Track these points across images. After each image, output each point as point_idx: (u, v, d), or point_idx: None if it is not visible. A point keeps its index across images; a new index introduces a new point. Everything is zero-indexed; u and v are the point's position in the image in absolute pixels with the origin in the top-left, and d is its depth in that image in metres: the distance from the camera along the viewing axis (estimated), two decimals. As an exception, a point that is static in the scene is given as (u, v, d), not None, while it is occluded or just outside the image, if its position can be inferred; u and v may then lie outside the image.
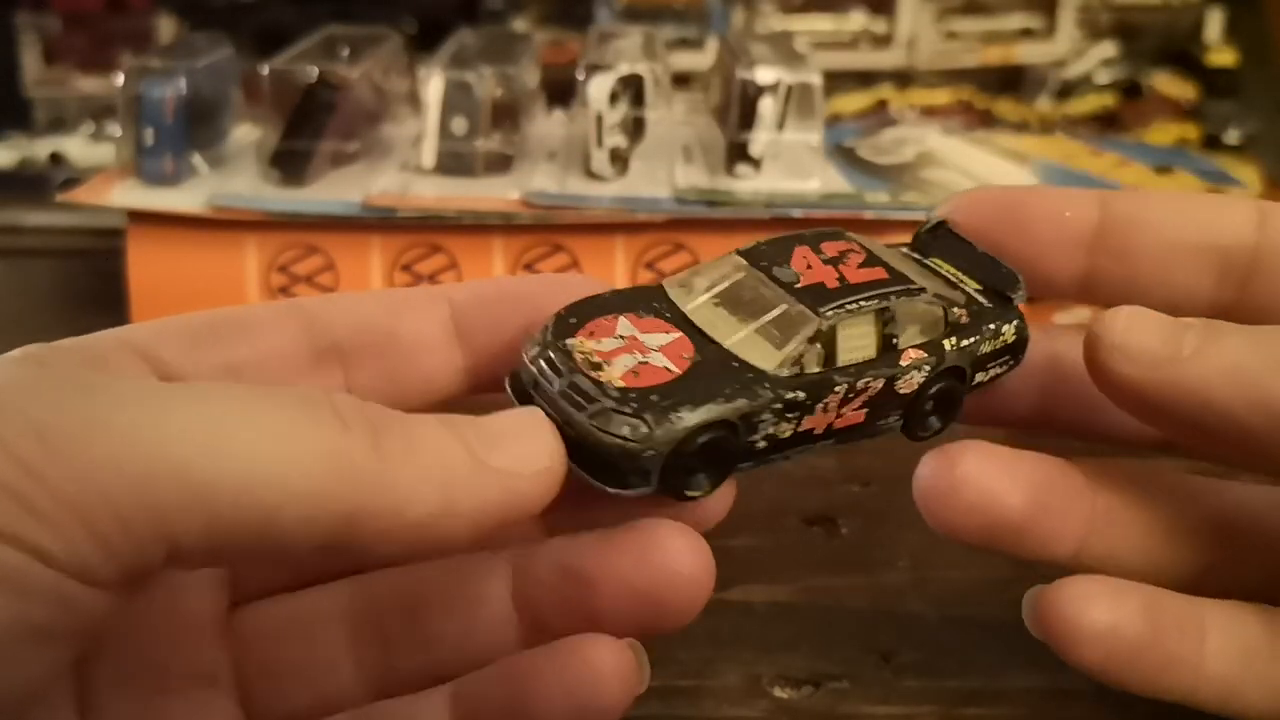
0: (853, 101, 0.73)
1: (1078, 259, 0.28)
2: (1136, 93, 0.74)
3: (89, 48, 0.74)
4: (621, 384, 0.24)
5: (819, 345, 0.25)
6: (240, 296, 0.49)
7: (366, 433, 0.21)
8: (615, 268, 0.50)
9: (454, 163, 0.52)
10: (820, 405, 0.25)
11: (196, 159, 0.52)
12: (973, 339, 0.27)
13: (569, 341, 0.25)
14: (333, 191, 0.51)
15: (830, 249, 0.27)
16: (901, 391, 0.26)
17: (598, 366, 0.24)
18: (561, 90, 0.59)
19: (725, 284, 0.27)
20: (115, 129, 0.65)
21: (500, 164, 0.52)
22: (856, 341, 0.26)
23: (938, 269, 0.29)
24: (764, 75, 0.50)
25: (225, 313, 0.26)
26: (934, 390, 0.27)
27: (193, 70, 0.51)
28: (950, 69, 0.75)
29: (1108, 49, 0.75)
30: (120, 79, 0.52)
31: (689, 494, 0.25)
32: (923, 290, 0.27)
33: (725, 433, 0.24)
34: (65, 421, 0.19)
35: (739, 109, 0.51)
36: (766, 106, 0.51)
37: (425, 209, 0.49)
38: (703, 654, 0.32)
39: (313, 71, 0.51)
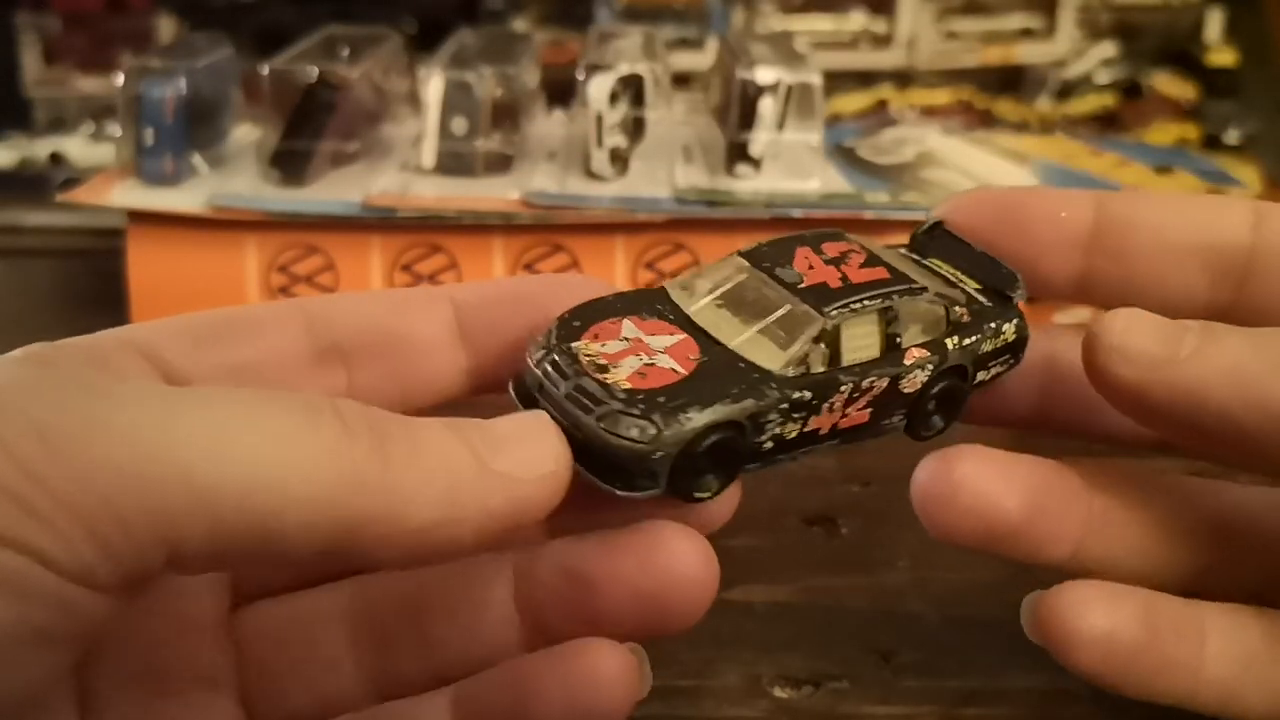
0: (853, 101, 0.73)
1: (1074, 260, 0.28)
2: (1136, 93, 0.74)
3: (89, 48, 0.74)
4: (629, 386, 0.24)
5: (823, 345, 0.25)
6: (240, 297, 0.49)
7: (370, 438, 0.21)
8: (615, 268, 0.50)
9: (454, 163, 0.52)
10: (826, 405, 0.25)
11: (196, 159, 0.52)
12: (974, 337, 0.27)
13: (574, 345, 0.25)
14: (333, 191, 0.51)
15: (831, 249, 0.27)
16: (905, 391, 0.27)
17: (604, 369, 0.24)
18: (561, 90, 0.59)
19: (728, 285, 0.27)
20: (115, 129, 0.65)
21: (500, 164, 0.52)
22: (860, 341, 0.26)
23: (936, 269, 0.29)
24: (764, 75, 0.50)
25: (228, 313, 0.26)
26: (937, 389, 0.27)
27: (193, 70, 0.51)
28: (950, 69, 0.75)
29: (1108, 49, 0.75)
30: (120, 79, 0.52)
31: (697, 495, 0.25)
32: (925, 289, 0.27)
33: (733, 433, 0.24)
34: (67, 424, 0.19)
35: (739, 109, 0.51)
36: (766, 106, 0.51)
37: (425, 209, 0.49)
38: (703, 654, 0.32)
39: (313, 71, 0.51)
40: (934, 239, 0.29)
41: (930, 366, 0.27)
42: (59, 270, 0.59)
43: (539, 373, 0.25)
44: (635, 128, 0.52)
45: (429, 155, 0.52)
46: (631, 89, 0.52)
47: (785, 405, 0.24)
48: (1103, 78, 0.75)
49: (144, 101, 0.50)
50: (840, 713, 0.31)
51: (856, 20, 0.75)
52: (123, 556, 0.19)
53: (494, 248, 0.50)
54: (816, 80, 0.51)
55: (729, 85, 0.52)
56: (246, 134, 0.56)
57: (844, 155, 0.57)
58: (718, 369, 0.24)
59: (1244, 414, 0.24)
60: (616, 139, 0.51)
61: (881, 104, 0.73)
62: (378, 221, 0.49)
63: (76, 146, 0.70)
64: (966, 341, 0.27)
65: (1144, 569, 0.27)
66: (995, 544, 0.26)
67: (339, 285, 0.50)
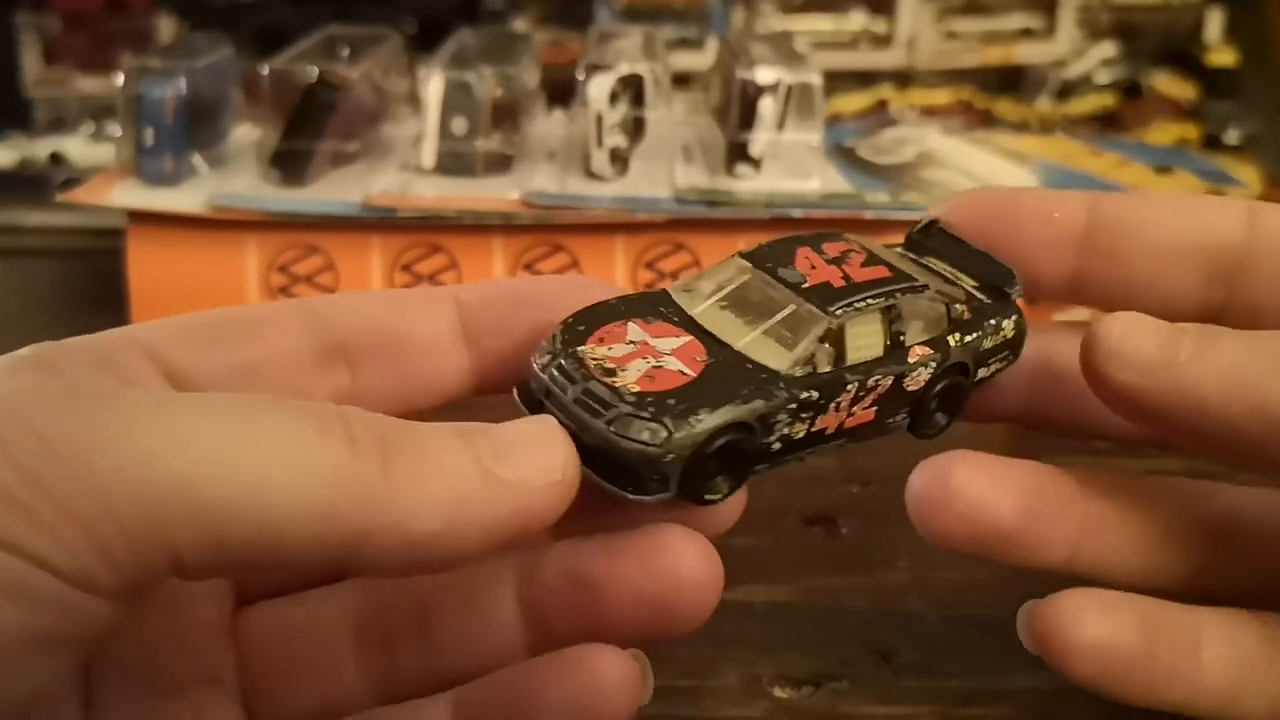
0: (853, 101, 0.73)
1: (1067, 260, 0.28)
2: (1136, 93, 0.74)
3: (89, 48, 0.74)
4: (637, 389, 0.23)
5: (829, 345, 0.25)
6: (240, 297, 0.49)
7: (374, 448, 0.21)
8: (615, 268, 0.50)
9: (454, 163, 0.52)
10: (833, 404, 0.25)
11: (196, 159, 0.52)
12: (975, 334, 0.27)
13: (580, 349, 0.25)
14: (333, 191, 0.51)
15: (832, 249, 0.27)
16: (909, 389, 0.27)
17: (611, 372, 0.24)
18: (561, 90, 0.59)
19: (731, 286, 0.26)
20: (115, 129, 0.65)
21: (500, 164, 0.52)
22: (864, 340, 0.26)
23: (934, 267, 0.29)
24: (764, 75, 0.51)
25: (233, 312, 0.26)
26: (940, 387, 0.27)
27: (193, 70, 0.51)
28: (950, 69, 0.75)
29: (1108, 49, 0.75)
30: (120, 79, 0.52)
31: (707, 498, 0.24)
32: (926, 287, 0.27)
33: (743, 434, 0.24)
34: (70, 433, 0.19)
35: (739, 109, 0.51)
36: (766, 106, 0.51)
37: (425, 209, 0.49)
38: (703, 654, 0.32)
39: (313, 71, 0.51)
40: (930, 238, 0.29)
41: (933, 364, 0.27)
42: (59, 270, 0.59)
43: (545, 378, 0.24)
44: (635, 128, 0.52)
45: (429, 155, 0.52)
46: (631, 89, 0.52)
47: (793, 405, 0.24)
48: (1103, 78, 0.75)
49: (144, 101, 0.50)
50: (840, 713, 0.31)
51: (856, 20, 0.75)
52: (124, 563, 0.19)
53: (494, 248, 0.50)
54: (816, 80, 0.51)
55: (729, 85, 0.52)
56: (246, 134, 0.56)
57: (844, 155, 0.57)
58: (725, 370, 0.24)
59: (1242, 417, 0.24)
60: (616, 139, 0.51)
61: (881, 104, 0.73)
62: (378, 221, 0.49)
63: (76, 146, 0.70)
64: (968, 339, 0.27)
65: (1141, 572, 0.27)
66: (990, 549, 0.26)
67: (339, 285, 0.50)
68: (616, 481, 0.23)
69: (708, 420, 0.23)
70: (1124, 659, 0.25)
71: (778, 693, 0.31)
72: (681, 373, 0.24)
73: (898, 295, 0.26)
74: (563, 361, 0.24)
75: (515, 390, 0.26)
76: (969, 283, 0.29)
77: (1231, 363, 0.24)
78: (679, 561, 0.23)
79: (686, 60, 0.69)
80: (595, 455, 0.23)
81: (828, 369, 0.25)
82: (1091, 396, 0.26)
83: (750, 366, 0.25)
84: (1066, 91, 0.75)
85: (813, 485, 0.40)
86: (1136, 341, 0.25)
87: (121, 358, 0.23)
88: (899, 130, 0.63)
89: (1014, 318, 0.28)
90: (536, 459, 0.22)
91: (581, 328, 0.25)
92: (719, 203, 0.50)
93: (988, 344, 0.28)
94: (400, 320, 0.27)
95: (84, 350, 0.23)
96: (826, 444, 0.26)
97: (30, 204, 0.63)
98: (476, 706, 0.24)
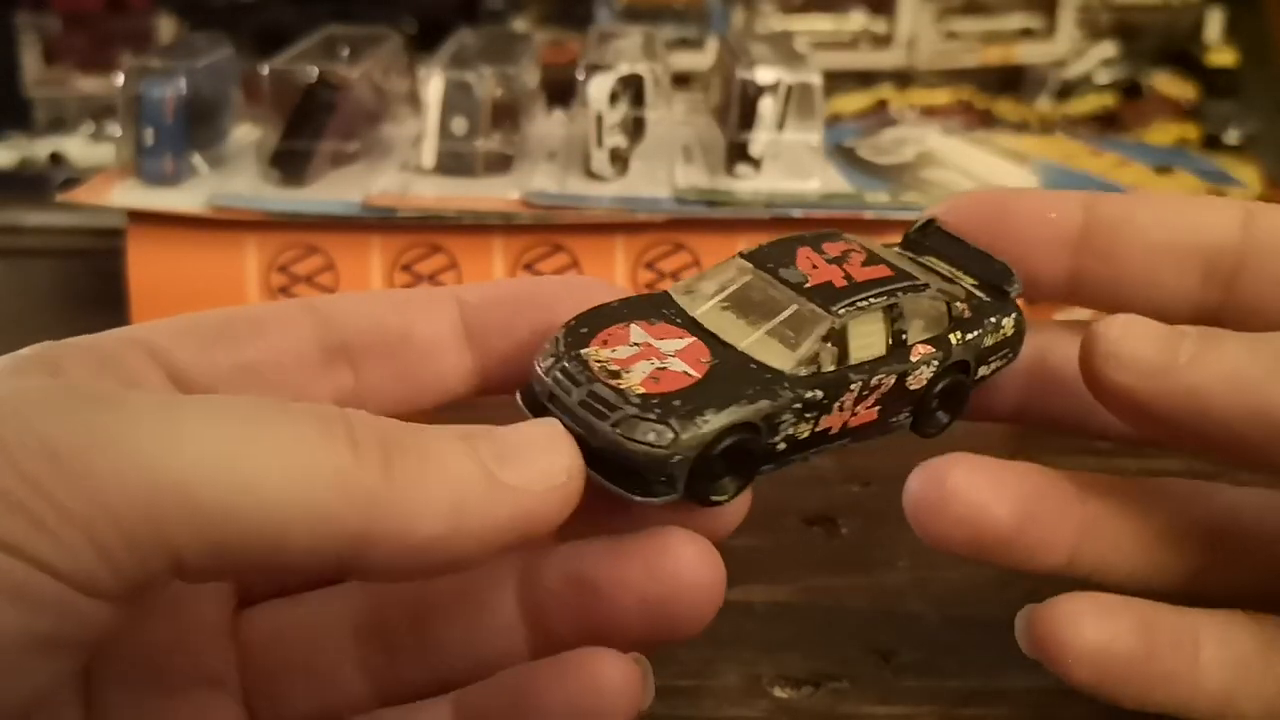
0: (853, 101, 0.73)
1: (1063, 260, 0.28)
2: (1136, 93, 0.74)
3: (89, 48, 0.74)
4: (643, 390, 0.23)
5: (832, 344, 0.25)
6: (240, 297, 0.49)
7: (376, 450, 0.20)
8: (615, 268, 0.50)
9: (454, 163, 0.52)
10: (837, 404, 0.25)
11: (196, 159, 0.52)
12: (976, 332, 0.27)
13: (584, 351, 0.24)
14: (333, 191, 0.51)
15: (832, 249, 0.27)
16: (912, 388, 0.27)
17: (616, 374, 0.24)
18: (561, 90, 0.59)
19: (733, 287, 0.26)
20: (115, 129, 0.65)
21: (500, 164, 0.52)
22: (867, 339, 0.26)
23: (933, 266, 0.29)
24: (764, 75, 0.50)
25: (236, 311, 0.26)
26: (941, 385, 0.27)
27: (193, 70, 0.51)
28: (950, 69, 0.75)
29: (1108, 49, 0.75)
30: (120, 79, 0.52)
31: (714, 499, 0.24)
32: (927, 286, 0.27)
33: (749, 435, 0.24)
34: (72, 435, 0.19)
35: (739, 109, 0.51)
36: (766, 106, 0.51)
37: (425, 209, 0.49)
38: (703, 654, 0.32)
39: (313, 71, 0.51)
40: (927, 237, 0.30)
41: (935, 362, 0.27)
42: (59, 270, 0.59)
43: (549, 381, 0.24)
44: (635, 128, 0.52)
45: (429, 155, 0.52)
46: (631, 89, 0.52)
47: (798, 405, 0.24)
48: (1103, 78, 0.75)
49: (144, 101, 0.50)
50: (840, 713, 0.31)
51: (856, 20, 0.75)
52: (125, 565, 0.19)
53: (494, 248, 0.50)
54: (816, 80, 0.51)
55: (729, 85, 0.52)
56: (246, 134, 0.56)
57: (844, 155, 0.57)
58: (730, 371, 0.24)
59: (1243, 420, 0.24)
60: (616, 139, 0.51)
61: (881, 104, 0.73)
62: (378, 221, 0.49)
63: (76, 146, 0.70)
64: (969, 337, 0.27)
65: (1139, 574, 0.27)
66: (988, 552, 0.26)
67: (339, 285, 0.50)
68: (622, 484, 0.23)
69: (714, 421, 0.23)
70: (1122, 663, 0.25)
71: (778, 693, 0.31)
72: (686, 374, 0.24)
73: (899, 294, 0.26)
74: (566, 364, 0.24)
75: (518, 394, 0.25)
76: (968, 281, 0.29)
77: (1232, 366, 0.24)
78: (682, 564, 0.23)
79: (686, 60, 0.69)
80: (601, 458, 0.23)
81: (831, 368, 0.25)
82: (1089, 396, 0.26)
83: (754, 367, 0.25)
84: (1066, 91, 0.75)
85: (813, 485, 0.40)
86: (1135, 344, 0.25)
87: (124, 358, 0.23)
88: (899, 130, 0.63)
89: (1013, 315, 0.28)
90: (541, 463, 0.22)
91: (584, 330, 0.25)
92: (719, 203, 0.50)
93: (988, 342, 0.28)
94: (403, 320, 0.27)
95: (87, 350, 0.23)
96: (830, 444, 0.26)
97: (30, 204, 0.63)
98: (477, 709, 0.24)
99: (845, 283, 0.26)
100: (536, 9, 0.76)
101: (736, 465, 0.24)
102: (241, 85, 0.56)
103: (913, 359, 0.26)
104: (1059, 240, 0.28)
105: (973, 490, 0.26)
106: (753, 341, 0.25)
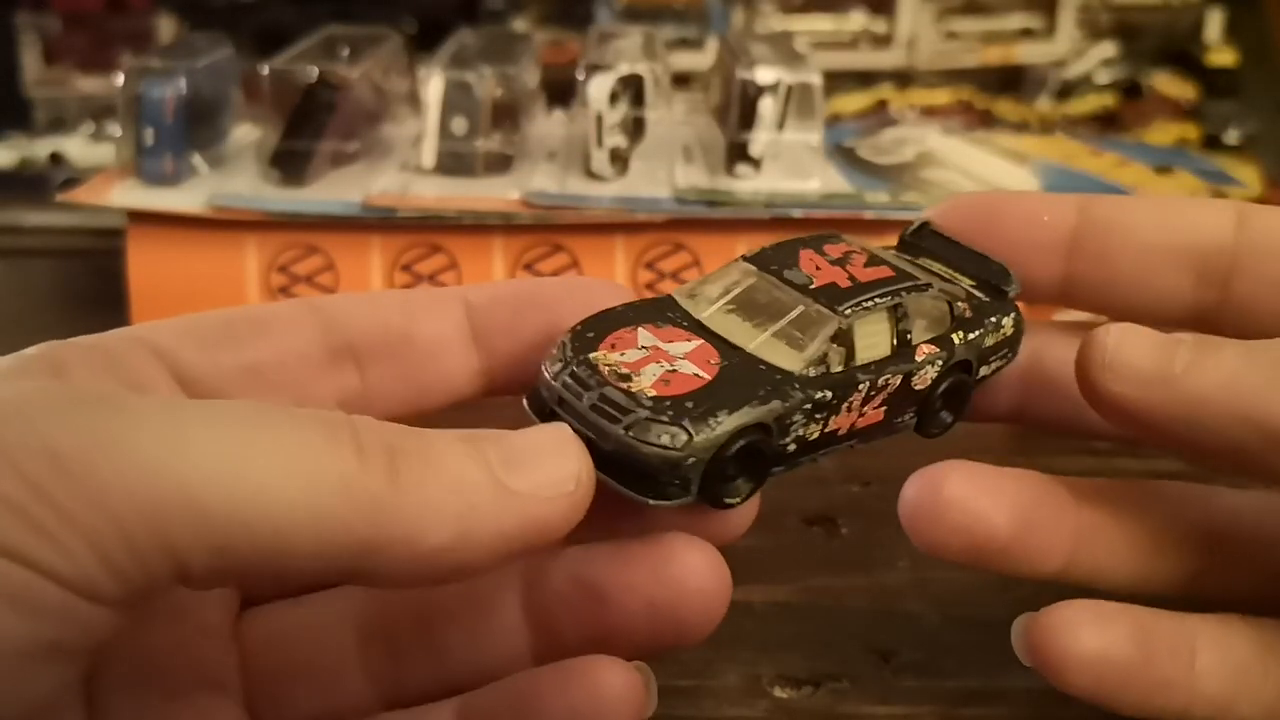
0: (853, 101, 0.73)
1: (1056, 262, 0.28)
2: (1136, 93, 0.74)
3: (89, 48, 0.74)
4: (654, 393, 0.23)
5: (839, 344, 0.25)
6: (240, 297, 0.49)
7: (382, 457, 0.20)
8: (615, 268, 0.50)
9: (454, 163, 0.52)
10: (845, 404, 0.25)
11: (196, 159, 0.52)
12: (978, 332, 0.27)
13: (592, 355, 0.24)
14: (333, 191, 0.51)
15: (833, 251, 0.27)
16: (917, 387, 0.27)
17: (626, 378, 0.24)
18: (561, 90, 0.59)
19: (738, 290, 0.26)
20: (115, 129, 0.65)
21: (500, 164, 0.52)
22: (872, 339, 0.26)
23: (930, 268, 0.29)
24: (764, 75, 0.50)
25: (241, 312, 0.26)
26: (945, 385, 0.27)
27: (193, 70, 0.51)
28: (950, 69, 0.75)
29: (1108, 49, 0.75)
30: (120, 79, 0.52)
31: (727, 501, 0.24)
32: (929, 286, 0.27)
33: (761, 436, 0.24)
34: (76, 439, 0.18)
35: (739, 109, 0.51)
36: (766, 106, 0.51)
37: (425, 209, 0.49)
38: (703, 654, 0.32)
39: (313, 71, 0.51)
40: (922, 240, 0.30)
41: (939, 362, 0.27)
42: (59, 270, 0.59)
43: (558, 385, 0.24)
44: (635, 128, 0.52)
45: (429, 155, 0.52)
46: (631, 89, 0.52)
47: (809, 406, 0.24)
48: (1103, 78, 0.75)
49: (144, 101, 0.50)
50: (840, 713, 0.31)
51: (856, 20, 0.75)
52: (128, 572, 0.19)
53: (494, 248, 0.50)
54: (816, 80, 0.51)
55: (729, 85, 0.52)
56: (246, 134, 0.56)
57: (844, 155, 0.57)
58: (740, 372, 0.24)
59: (1239, 429, 0.24)
60: (616, 139, 0.51)
61: (881, 104, 0.73)
62: (378, 221, 0.49)
63: (76, 146, 0.70)
64: (971, 336, 0.27)
65: (1136, 579, 0.27)
66: (984, 560, 0.26)
67: (339, 285, 0.50)
68: (635, 487, 0.23)
69: (727, 422, 0.23)
70: (1120, 670, 0.25)
71: (778, 693, 0.31)
72: (696, 376, 0.24)
73: (903, 294, 0.26)
74: (575, 369, 0.24)
75: (525, 400, 0.25)
76: (966, 282, 0.29)
77: (1228, 374, 0.24)
78: (688, 570, 0.23)
79: (686, 60, 0.69)
80: (612, 461, 0.23)
81: (839, 369, 0.25)
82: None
83: (764, 368, 0.25)
84: (1066, 91, 0.75)
85: (813, 485, 0.40)
86: (1131, 353, 0.25)
87: (129, 358, 0.23)
88: (899, 130, 0.63)
89: (1012, 315, 0.28)
90: (549, 469, 0.22)
91: (591, 334, 0.25)
92: (719, 203, 0.50)
93: (989, 341, 0.28)
94: (408, 321, 0.27)
95: (91, 350, 0.22)
96: (838, 445, 0.26)
97: (30, 204, 0.63)
98: (481, 714, 0.24)
99: (850, 283, 0.26)
100: (536, 9, 0.76)
101: (748, 467, 0.24)
102: (241, 85, 0.56)
103: (917, 359, 0.26)
104: (1052, 243, 0.28)
105: (969, 498, 0.26)
106: (760, 343, 0.25)
